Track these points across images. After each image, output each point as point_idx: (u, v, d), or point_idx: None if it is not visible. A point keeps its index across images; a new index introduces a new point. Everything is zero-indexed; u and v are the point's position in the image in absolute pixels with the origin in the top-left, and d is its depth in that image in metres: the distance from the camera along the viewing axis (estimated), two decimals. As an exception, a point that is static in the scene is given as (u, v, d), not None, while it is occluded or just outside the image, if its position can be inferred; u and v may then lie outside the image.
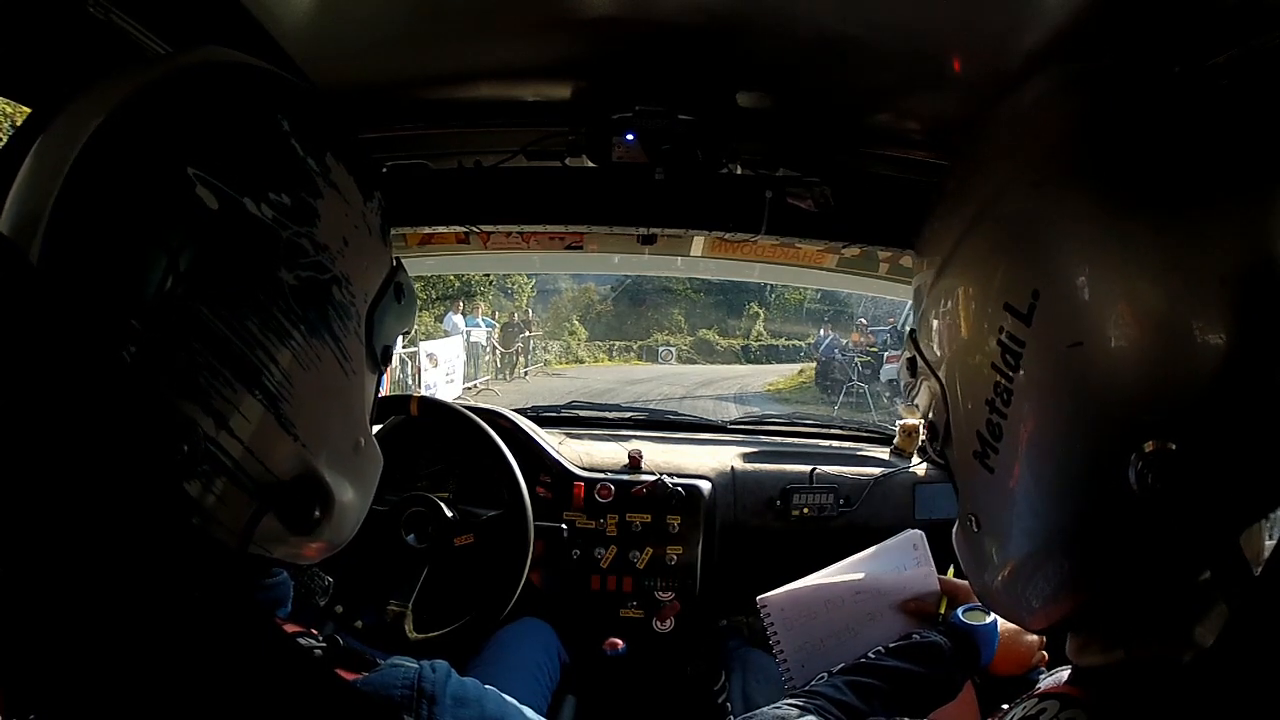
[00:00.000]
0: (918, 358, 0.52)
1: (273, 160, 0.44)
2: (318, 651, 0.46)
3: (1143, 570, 0.41)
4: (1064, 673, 0.50)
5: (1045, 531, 0.44)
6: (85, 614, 0.37)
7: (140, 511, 0.39)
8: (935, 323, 0.50)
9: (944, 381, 0.49)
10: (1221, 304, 0.37)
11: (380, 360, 0.52)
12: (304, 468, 0.46)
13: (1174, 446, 0.37)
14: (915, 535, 0.88)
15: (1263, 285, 0.37)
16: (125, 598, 0.38)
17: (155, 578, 0.39)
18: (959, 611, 0.76)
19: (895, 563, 0.86)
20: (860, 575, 0.85)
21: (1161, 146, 0.40)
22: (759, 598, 0.87)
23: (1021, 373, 0.42)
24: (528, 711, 0.51)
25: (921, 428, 1.48)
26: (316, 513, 0.46)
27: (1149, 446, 0.38)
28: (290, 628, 0.48)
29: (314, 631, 0.48)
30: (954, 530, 0.52)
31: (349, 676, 0.45)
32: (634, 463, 1.37)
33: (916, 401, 0.54)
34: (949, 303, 0.48)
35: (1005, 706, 0.49)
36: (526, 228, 1.12)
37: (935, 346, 0.50)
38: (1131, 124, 0.41)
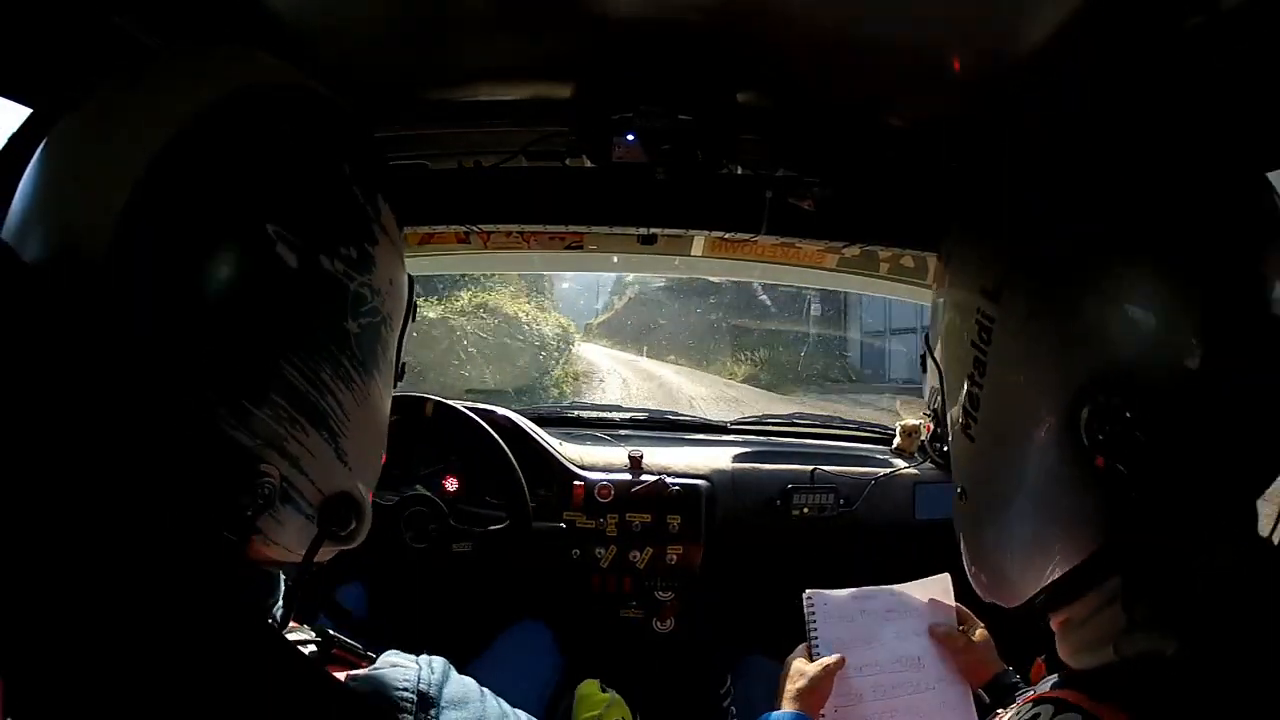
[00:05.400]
0: (928, 354, 0.58)
1: (340, 212, 0.45)
2: (312, 646, 0.46)
3: (1115, 548, 0.43)
4: (1058, 678, 0.51)
5: (1018, 500, 0.47)
6: (92, 619, 0.38)
7: (195, 544, 0.41)
8: (938, 319, 0.56)
9: (942, 367, 0.55)
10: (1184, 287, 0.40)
11: (399, 377, 0.54)
12: (349, 487, 0.48)
13: (1129, 414, 0.40)
14: (945, 576, 0.96)
15: (1225, 270, 0.40)
16: (143, 617, 0.38)
17: (178, 596, 0.40)
18: None
19: (925, 594, 0.96)
20: (895, 597, 0.95)
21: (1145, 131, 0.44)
22: (808, 591, 0.94)
23: (993, 345, 0.48)
24: (523, 715, 0.51)
25: (924, 428, 1.48)
26: (354, 524, 0.49)
27: (1101, 399, 0.41)
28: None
29: (307, 625, 0.48)
30: (952, 507, 0.55)
31: (342, 672, 0.45)
32: (634, 463, 1.37)
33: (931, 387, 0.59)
34: (945, 298, 0.54)
35: (1000, 712, 0.50)
36: (527, 227, 1.12)
37: (937, 337, 0.56)
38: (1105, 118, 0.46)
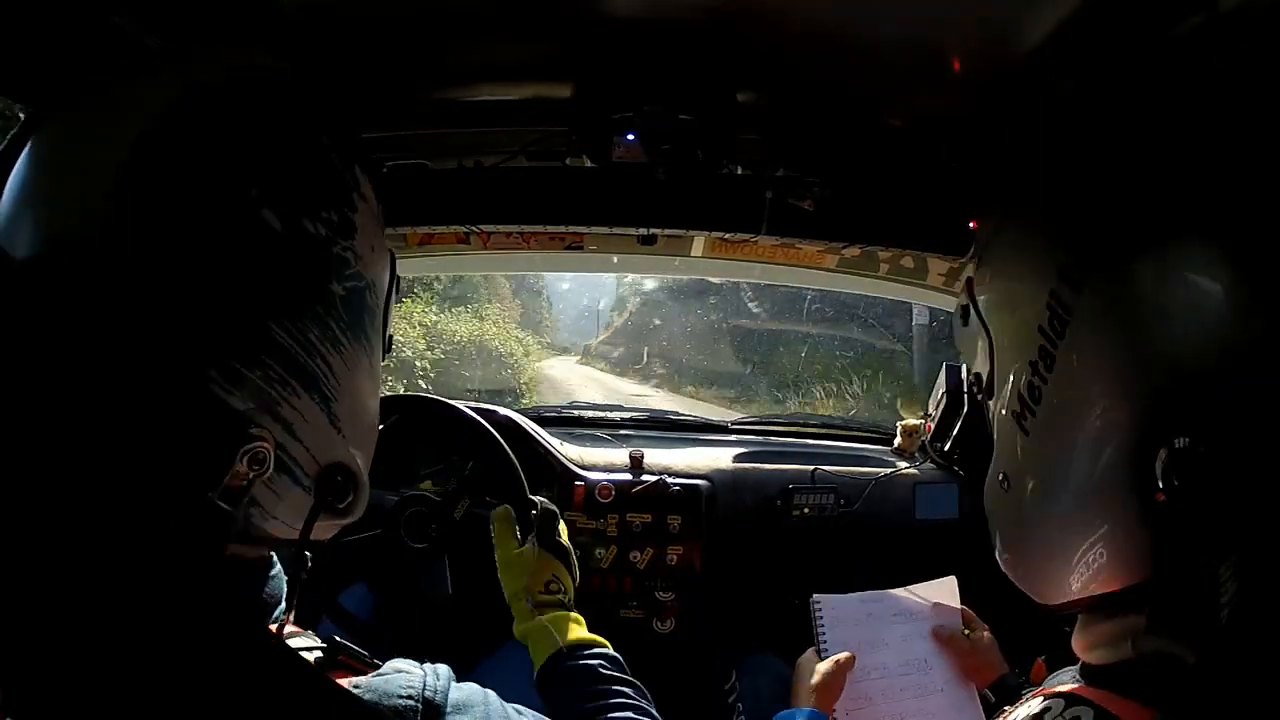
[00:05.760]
0: (971, 306, 0.53)
1: (321, 178, 0.47)
2: (317, 653, 0.46)
3: (1159, 566, 0.40)
4: (1066, 675, 0.50)
5: (1069, 507, 0.43)
6: (88, 611, 0.38)
7: (194, 525, 0.41)
8: (992, 273, 0.50)
9: (993, 335, 0.50)
10: None
11: (386, 349, 0.55)
12: (345, 457, 0.49)
13: (1204, 450, 0.36)
14: (951, 579, 0.98)
15: None
16: (140, 609, 0.38)
17: (174, 589, 0.40)
18: None
19: (931, 596, 0.97)
20: (901, 600, 0.97)
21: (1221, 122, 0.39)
22: (815, 596, 0.95)
23: (1066, 342, 0.42)
24: (528, 713, 0.51)
25: (924, 428, 1.47)
26: (351, 496, 0.50)
27: (1179, 443, 0.36)
28: (289, 628, 0.48)
29: (312, 633, 0.48)
30: (985, 486, 0.53)
31: (347, 678, 0.44)
32: (635, 463, 1.36)
33: (964, 350, 0.55)
34: (1008, 254, 0.49)
35: (1008, 708, 0.50)
36: (526, 228, 1.12)
37: (990, 297, 0.51)
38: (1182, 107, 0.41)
